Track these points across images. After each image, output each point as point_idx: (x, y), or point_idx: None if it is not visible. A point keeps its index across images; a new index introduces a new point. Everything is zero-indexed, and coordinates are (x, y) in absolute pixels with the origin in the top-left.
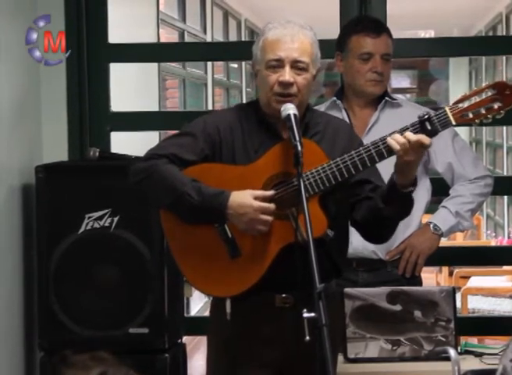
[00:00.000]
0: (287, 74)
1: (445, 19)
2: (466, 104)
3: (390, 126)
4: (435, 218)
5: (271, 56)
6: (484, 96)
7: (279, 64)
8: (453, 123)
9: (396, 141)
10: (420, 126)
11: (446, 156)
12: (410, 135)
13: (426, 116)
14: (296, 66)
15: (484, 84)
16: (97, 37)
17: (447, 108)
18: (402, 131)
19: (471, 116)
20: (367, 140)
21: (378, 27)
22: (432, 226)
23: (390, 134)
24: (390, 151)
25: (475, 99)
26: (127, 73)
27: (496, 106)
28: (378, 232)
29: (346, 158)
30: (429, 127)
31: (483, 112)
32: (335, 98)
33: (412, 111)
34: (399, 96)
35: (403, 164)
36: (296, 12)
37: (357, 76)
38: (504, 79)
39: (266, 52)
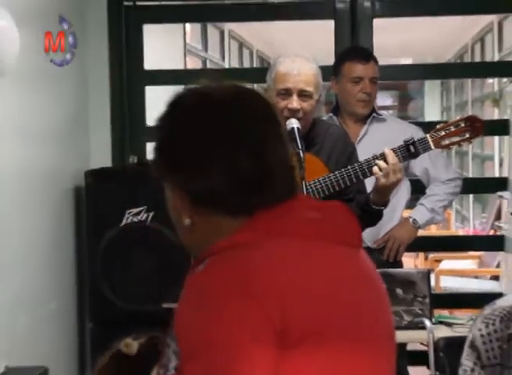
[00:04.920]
0: (295, 102)
1: (421, 49)
2: (443, 132)
3: (377, 137)
4: (413, 213)
5: (281, 86)
6: (457, 127)
7: (287, 93)
8: (433, 148)
9: (378, 166)
10: (405, 148)
11: (423, 162)
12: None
13: (411, 141)
14: (302, 94)
15: (458, 117)
16: (134, 64)
17: (428, 136)
18: (399, 149)
19: (447, 142)
20: (358, 149)
21: (367, 55)
22: (411, 220)
23: (380, 155)
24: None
25: (451, 129)
26: (159, 94)
27: (467, 135)
28: None
29: (343, 172)
30: (413, 150)
31: (457, 140)
32: (331, 114)
33: (395, 125)
34: (383, 112)
35: (381, 185)
36: (299, 43)
37: (349, 97)
38: (470, 98)
39: (277, 83)
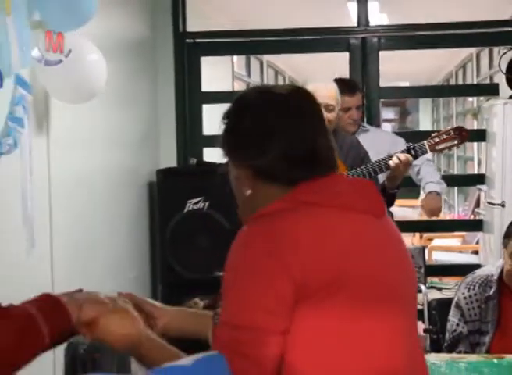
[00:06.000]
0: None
1: (416, 74)
2: (437, 139)
3: (364, 144)
4: (431, 188)
5: None
6: (448, 135)
7: None
8: (429, 152)
9: (392, 161)
10: (407, 152)
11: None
12: (401, 156)
13: (412, 146)
14: (327, 107)
15: (449, 127)
16: (194, 87)
17: (426, 142)
18: (403, 152)
19: (440, 147)
20: None
21: (354, 89)
22: (434, 193)
23: (389, 156)
24: (388, 167)
25: (443, 136)
26: (214, 110)
27: (456, 142)
28: None
29: (358, 170)
30: (413, 153)
31: (448, 145)
32: None
33: (376, 133)
34: (366, 125)
35: (394, 175)
36: (321, 70)
37: (340, 121)
38: (454, 112)
39: None
